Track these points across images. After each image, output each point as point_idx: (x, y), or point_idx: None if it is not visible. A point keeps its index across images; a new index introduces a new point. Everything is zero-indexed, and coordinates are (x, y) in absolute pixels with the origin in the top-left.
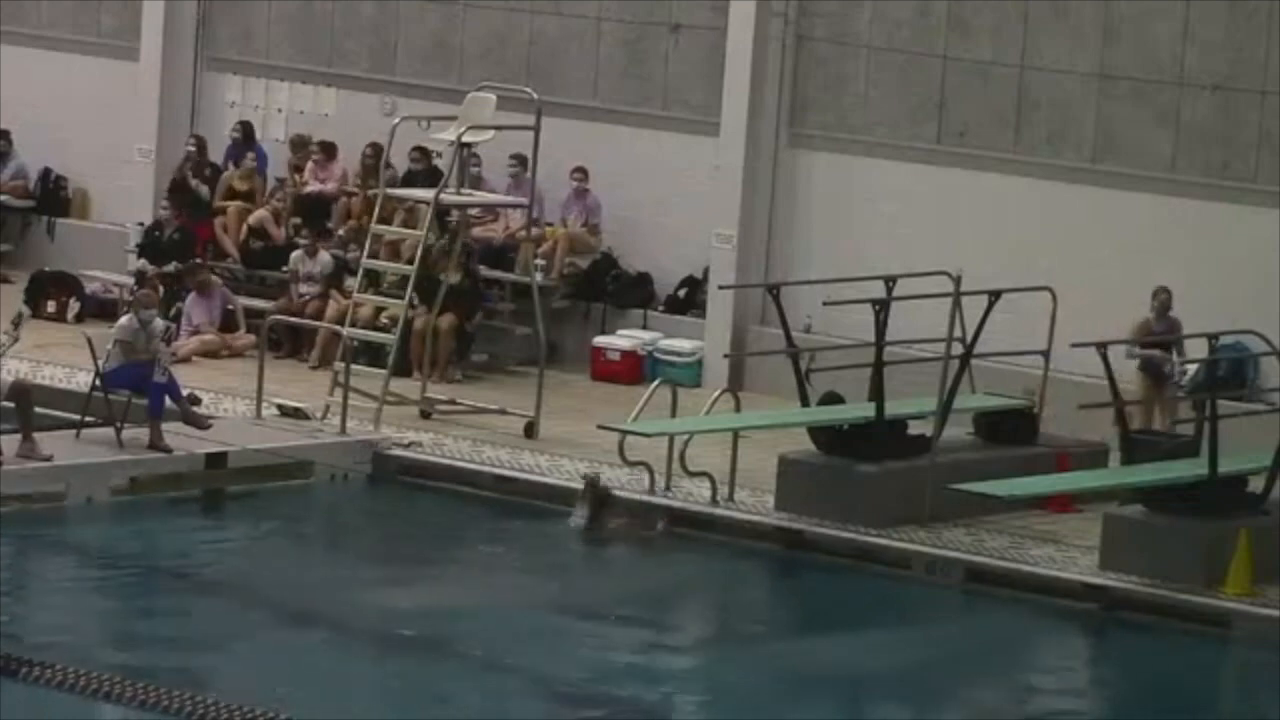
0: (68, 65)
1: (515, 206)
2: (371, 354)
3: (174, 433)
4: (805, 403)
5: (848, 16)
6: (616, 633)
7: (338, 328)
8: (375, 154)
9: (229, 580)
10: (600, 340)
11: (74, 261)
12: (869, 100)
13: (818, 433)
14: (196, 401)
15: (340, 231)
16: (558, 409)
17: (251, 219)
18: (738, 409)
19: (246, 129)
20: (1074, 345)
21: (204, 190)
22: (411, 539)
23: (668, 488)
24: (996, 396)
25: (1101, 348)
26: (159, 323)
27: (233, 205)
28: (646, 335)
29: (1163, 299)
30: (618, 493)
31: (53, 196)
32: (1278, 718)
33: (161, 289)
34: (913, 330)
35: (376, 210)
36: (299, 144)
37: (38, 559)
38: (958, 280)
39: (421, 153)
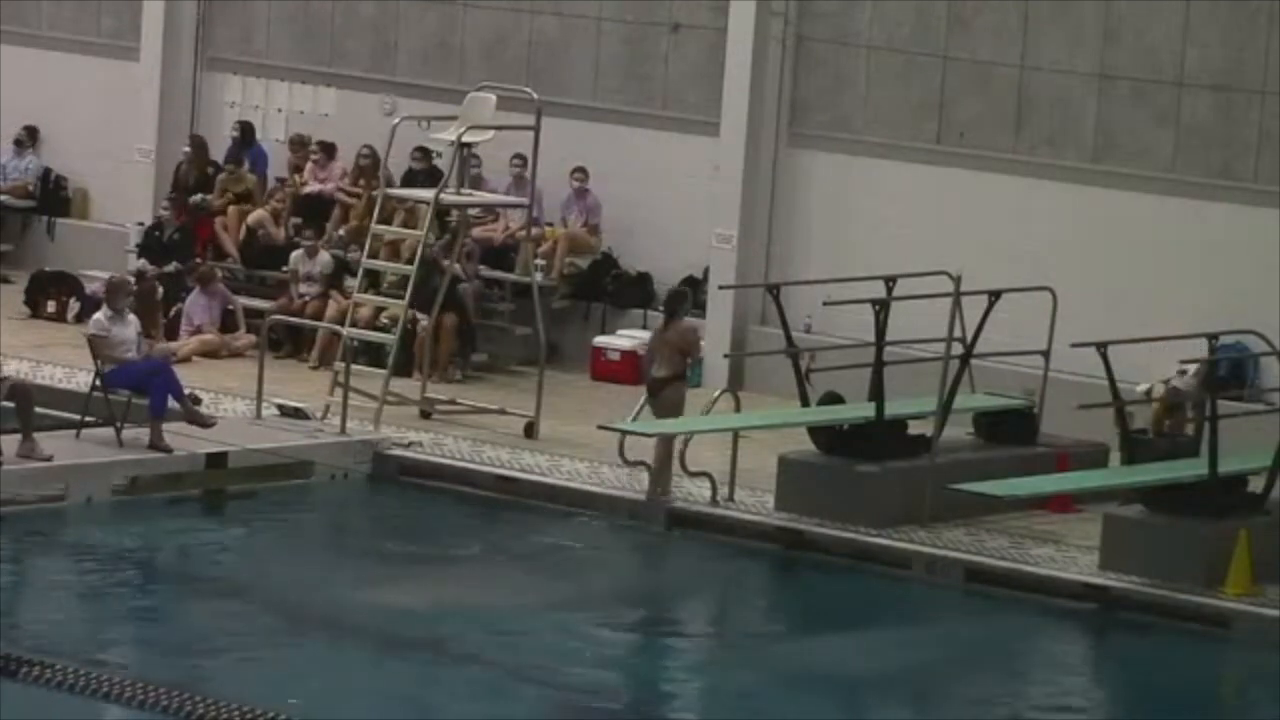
0: (68, 65)
1: (515, 206)
2: (371, 354)
3: (174, 433)
4: (805, 403)
5: (848, 16)
6: (616, 633)
7: (338, 328)
8: (370, 155)
9: (229, 580)
10: (600, 340)
11: (74, 261)
12: (869, 100)
13: (818, 433)
14: (197, 401)
15: (340, 232)
16: (558, 409)
17: (250, 219)
18: (738, 409)
19: (246, 129)
20: (1074, 345)
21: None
22: (411, 539)
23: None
24: (996, 396)
25: (1101, 348)
26: (134, 318)
27: (232, 206)
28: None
29: (1180, 371)
30: (616, 494)
31: (53, 196)
32: (1277, 718)
33: (161, 289)
34: (913, 330)
35: (377, 210)
36: (299, 144)
37: (38, 559)
38: (958, 280)
39: (422, 153)
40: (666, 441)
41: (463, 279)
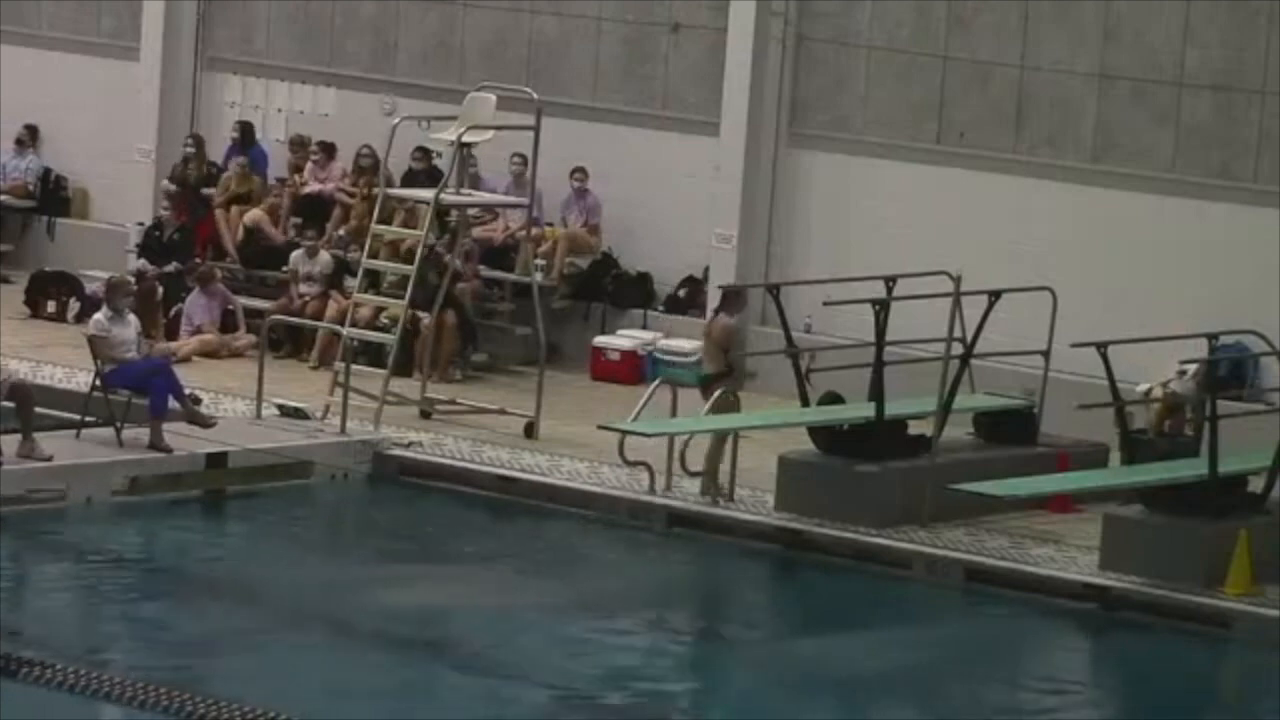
0: (68, 65)
1: (515, 206)
2: (371, 354)
3: (174, 433)
4: (805, 403)
5: (848, 16)
6: (616, 632)
7: (338, 328)
8: (370, 155)
9: (229, 580)
10: (600, 340)
11: (74, 261)
12: (869, 100)
13: (818, 433)
14: (197, 401)
15: (340, 232)
16: (558, 409)
17: (247, 218)
18: (738, 409)
19: (246, 129)
20: (1074, 345)
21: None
22: (411, 539)
23: (668, 487)
24: (996, 396)
25: (1101, 348)
26: (134, 319)
27: (234, 205)
28: (646, 335)
29: (1179, 372)
30: (616, 494)
31: (53, 196)
32: (1277, 718)
33: (161, 289)
34: (913, 330)
35: (376, 210)
36: (298, 144)
37: (38, 559)
38: (958, 280)
39: (422, 153)
40: (719, 441)
41: (462, 276)
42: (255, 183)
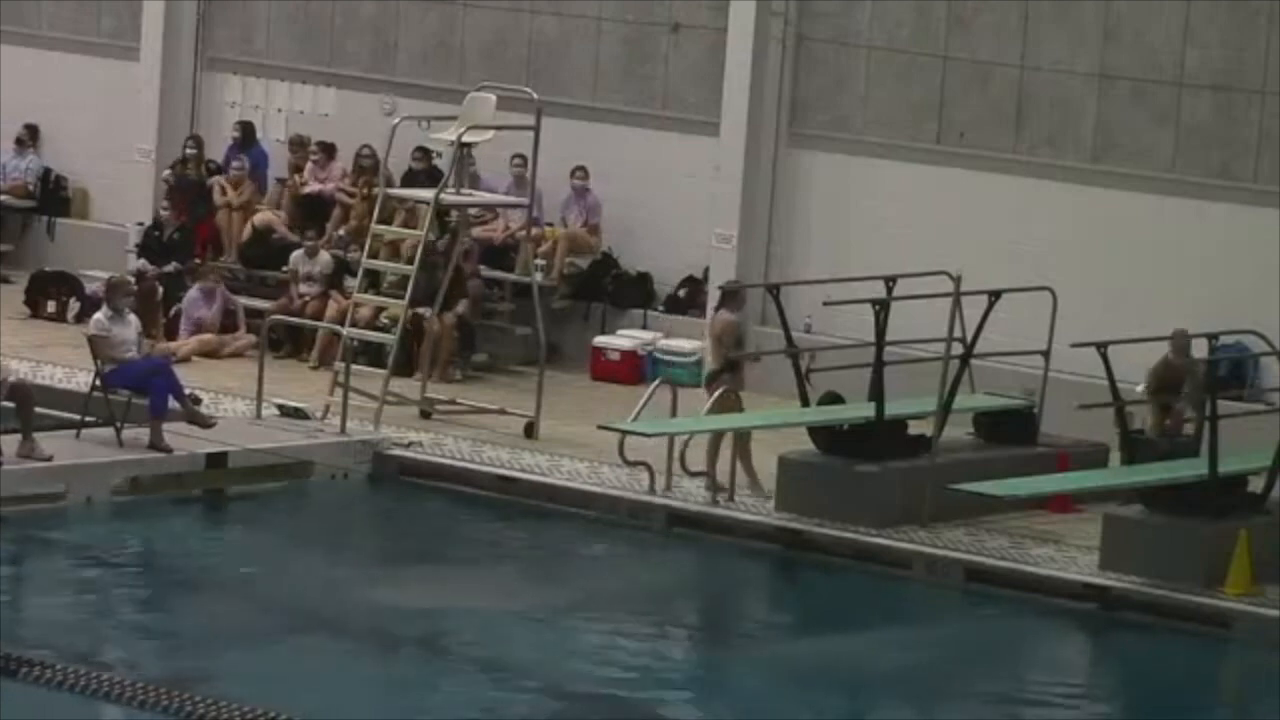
0: (68, 65)
1: (515, 206)
2: (372, 354)
3: (174, 433)
4: (805, 403)
5: (848, 16)
6: (616, 633)
7: (338, 328)
8: (370, 155)
9: (229, 580)
10: (600, 340)
11: (74, 261)
12: (869, 100)
13: (818, 433)
14: (197, 401)
15: (340, 232)
16: (558, 409)
17: (257, 219)
18: (740, 408)
19: (246, 129)
20: (1074, 345)
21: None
22: (411, 539)
23: (668, 487)
24: (996, 396)
25: (1101, 348)
26: (134, 318)
27: (235, 212)
28: (646, 335)
29: (1181, 342)
30: (616, 494)
31: (53, 196)
32: (1277, 718)
33: (161, 289)
34: (913, 330)
35: (376, 210)
36: (298, 144)
37: (38, 559)
38: (958, 280)
39: (422, 153)
40: (722, 442)
41: (464, 276)
42: (250, 189)
